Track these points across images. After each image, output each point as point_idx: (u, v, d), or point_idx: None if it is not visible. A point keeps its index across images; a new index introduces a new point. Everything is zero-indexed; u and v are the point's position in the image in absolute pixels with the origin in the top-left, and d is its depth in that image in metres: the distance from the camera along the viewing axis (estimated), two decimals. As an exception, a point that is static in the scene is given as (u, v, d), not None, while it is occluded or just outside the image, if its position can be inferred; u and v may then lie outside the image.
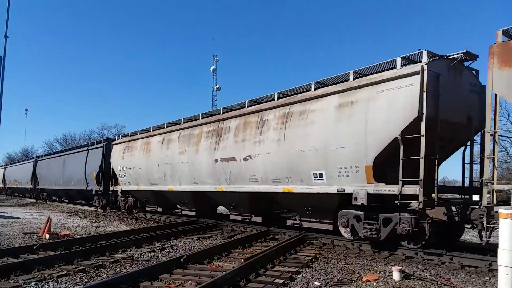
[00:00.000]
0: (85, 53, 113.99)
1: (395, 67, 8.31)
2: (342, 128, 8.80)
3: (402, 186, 7.74)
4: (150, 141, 16.42)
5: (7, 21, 18.59)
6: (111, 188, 19.86)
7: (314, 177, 9.52)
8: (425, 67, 7.60)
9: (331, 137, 8.99)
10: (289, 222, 11.33)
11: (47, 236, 10.13)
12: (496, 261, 5.10)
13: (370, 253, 8.19)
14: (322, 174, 9.33)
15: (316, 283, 5.83)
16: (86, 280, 5.90)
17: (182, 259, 6.82)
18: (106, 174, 20.35)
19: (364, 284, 5.64)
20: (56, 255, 7.31)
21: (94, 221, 15.43)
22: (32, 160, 35.44)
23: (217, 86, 51.85)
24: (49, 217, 11.31)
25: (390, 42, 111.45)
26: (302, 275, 6.29)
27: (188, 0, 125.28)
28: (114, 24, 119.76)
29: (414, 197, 7.56)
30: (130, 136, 18.72)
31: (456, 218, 7.69)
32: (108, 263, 7.01)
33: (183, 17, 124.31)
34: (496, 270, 5.21)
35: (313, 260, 7.48)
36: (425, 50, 7.92)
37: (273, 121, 10.72)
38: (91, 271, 6.47)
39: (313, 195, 9.62)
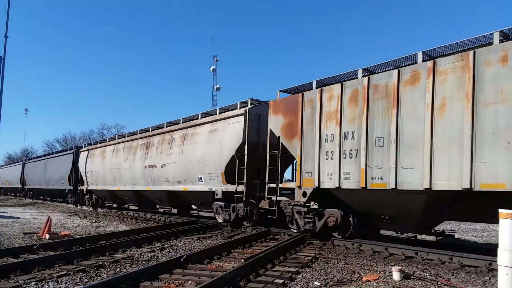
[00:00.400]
0: (85, 53, 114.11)
1: (236, 108, 12.84)
2: (211, 147, 13.09)
3: (237, 186, 12.04)
4: (105, 150, 20.78)
5: (7, 21, 18.64)
6: (79, 188, 23.98)
7: (198, 180, 13.81)
8: (248, 110, 12.02)
9: (206, 153, 13.31)
10: (192, 212, 16.74)
11: (47, 236, 10.13)
12: (496, 261, 5.10)
13: (370, 253, 8.20)
14: (202, 178, 13.62)
15: (316, 283, 5.84)
16: (86, 280, 5.90)
17: (182, 259, 6.81)
18: (76, 176, 24.48)
19: (364, 284, 5.64)
20: (56, 255, 7.31)
21: (94, 221, 15.44)
22: (21, 162, 39.33)
23: (217, 86, 51.87)
24: (49, 217, 11.31)
25: (391, 40, 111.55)
26: (302, 275, 6.29)
27: (188, 0, 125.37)
28: (114, 24, 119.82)
29: (242, 193, 11.87)
30: (93, 145, 23.46)
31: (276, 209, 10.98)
32: (108, 263, 7.01)
33: (183, 17, 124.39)
34: (496, 270, 5.21)
35: (313, 260, 7.48)
36: (250, 98, 12.56)
37: (177, 139, 14.94)
38: (91, 271, 6.47)
39: (199, 192, 13.98)
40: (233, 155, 12.00)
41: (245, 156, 11.76)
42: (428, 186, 7.22)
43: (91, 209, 22.14)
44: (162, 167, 15.53)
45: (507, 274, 4.80)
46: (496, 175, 6.42)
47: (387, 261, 7.45)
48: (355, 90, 8.75)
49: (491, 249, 6.97)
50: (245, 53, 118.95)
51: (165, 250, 8.67)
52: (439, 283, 5.76)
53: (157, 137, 16.40)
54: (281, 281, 5.78)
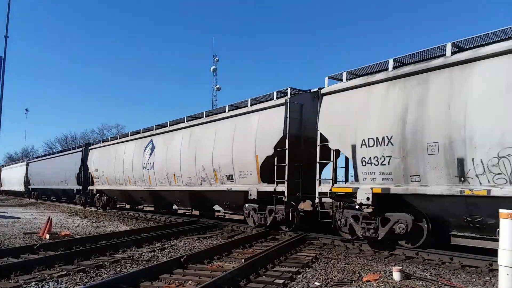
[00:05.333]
0: (85, 53, 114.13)
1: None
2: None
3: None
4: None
5: (7, 21, 18.60)
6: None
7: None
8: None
9: None
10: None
11: (48, 236, 10.13)
12: (496, 261, 5.10)
13: (370, 253, 8.19)
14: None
15: (316, 283, 5.83)
16: (86, 280, 5.90)
17: (182, 259, 6.81)
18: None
19: (364, 284, 5.64)
20: (56, 255, 7.31)
21: (94, 221, 15.44)
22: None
23: (218, 86, 51.91)
24: (49, 217, 11.31)
25: (390, 40, 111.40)
26: (303, 275, 6.29)
27: (188, 0, 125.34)
28: (114, 24, 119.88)
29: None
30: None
31: None
32: (108, 263, 7.01)
33: (183, 17, 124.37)
34: (497, 270, 5.21)
35: (314, 260, 7.48)
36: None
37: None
38: (92, 271, 6.46)
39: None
40: None
41: None
42: None
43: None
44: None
45: (507, 274, 4.79)
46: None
47: (387, 261, 7.45)
48: None
49: (491, 249, 6.96)
50: (246, 52, 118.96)
51: (166, 250, 8.66)
52: (439, 283, 5.76)
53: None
54: (281, 281, 5.77)
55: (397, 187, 7.83)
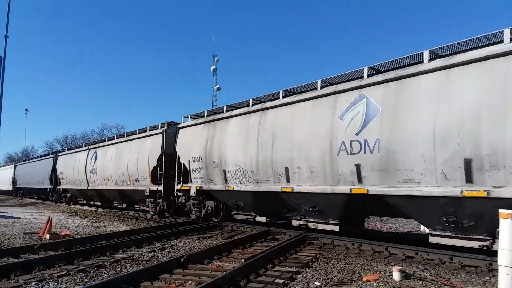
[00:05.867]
0: (85, 53, 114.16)
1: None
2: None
3: None
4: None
5: (7, 21, 18.60)
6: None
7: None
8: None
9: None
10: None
11: (48, 236, 10.14)
12: (496, 261, 5.10)
13: (370, 253, 8.20)
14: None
15: (316, 283, 5.83)
16: (86, 280, 5.91)
17: (182, 259, 6.82)
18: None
19: (364, 284, 5.65)
20: (56, 255, 7.31)
21: (94, 221, 15.44)
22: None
23: (217, 86, 51.91)
24: (49, 217, 11.31)
25: (387, 42, 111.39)
26: (303, 275, 6.29)
27: (188, 0, 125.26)
28: (115, 25, 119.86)
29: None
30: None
31: None
32: (108, 263, 7.02)
33: (183, 17, 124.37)
34: (496, 270, 5.21)
35: (313, 260, 7.49)
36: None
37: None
38: (92, 271, 6.47)
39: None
40: None
41: None
42: None
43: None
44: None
45: (507, 274, 4.79)
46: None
47: (387, 261, 7.45)
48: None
49: (491, 249, 6.96)
50: (246, 52, 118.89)
51: (166, 250, 8.67)
52: (439, 283, 5.76)
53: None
54: (281, 281, 5.78)
55: (205, 186, 13.11)
